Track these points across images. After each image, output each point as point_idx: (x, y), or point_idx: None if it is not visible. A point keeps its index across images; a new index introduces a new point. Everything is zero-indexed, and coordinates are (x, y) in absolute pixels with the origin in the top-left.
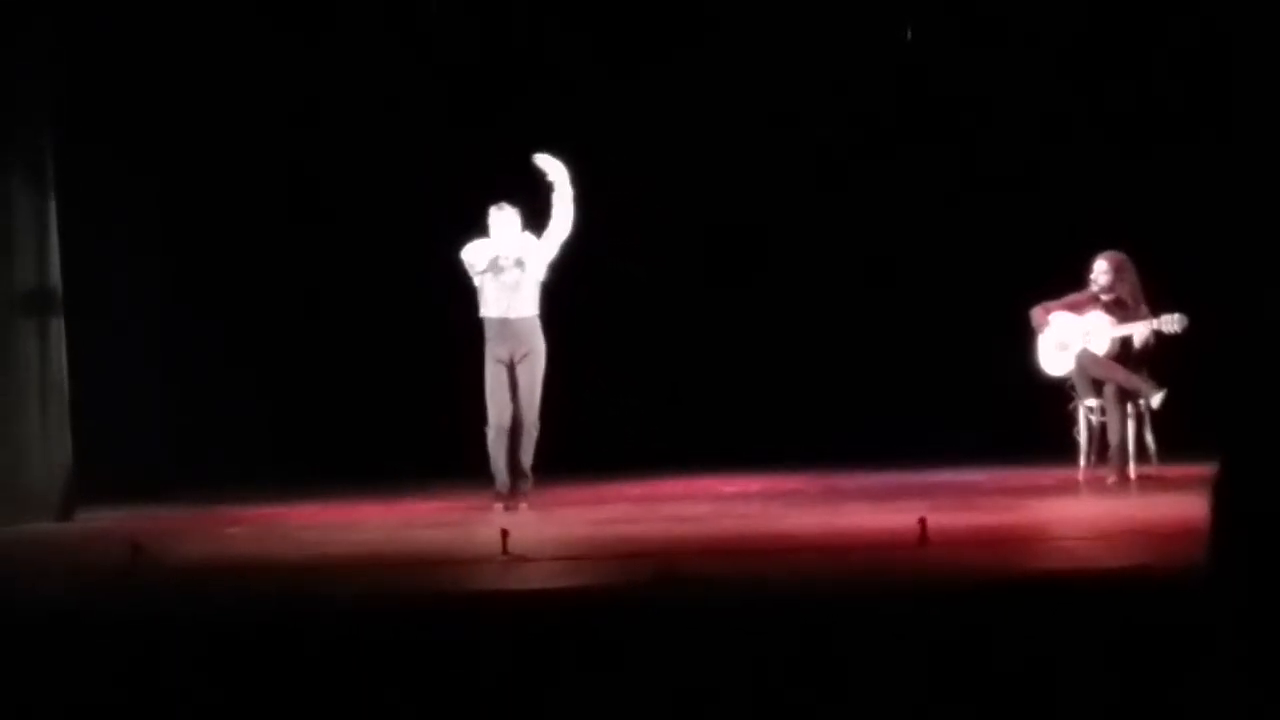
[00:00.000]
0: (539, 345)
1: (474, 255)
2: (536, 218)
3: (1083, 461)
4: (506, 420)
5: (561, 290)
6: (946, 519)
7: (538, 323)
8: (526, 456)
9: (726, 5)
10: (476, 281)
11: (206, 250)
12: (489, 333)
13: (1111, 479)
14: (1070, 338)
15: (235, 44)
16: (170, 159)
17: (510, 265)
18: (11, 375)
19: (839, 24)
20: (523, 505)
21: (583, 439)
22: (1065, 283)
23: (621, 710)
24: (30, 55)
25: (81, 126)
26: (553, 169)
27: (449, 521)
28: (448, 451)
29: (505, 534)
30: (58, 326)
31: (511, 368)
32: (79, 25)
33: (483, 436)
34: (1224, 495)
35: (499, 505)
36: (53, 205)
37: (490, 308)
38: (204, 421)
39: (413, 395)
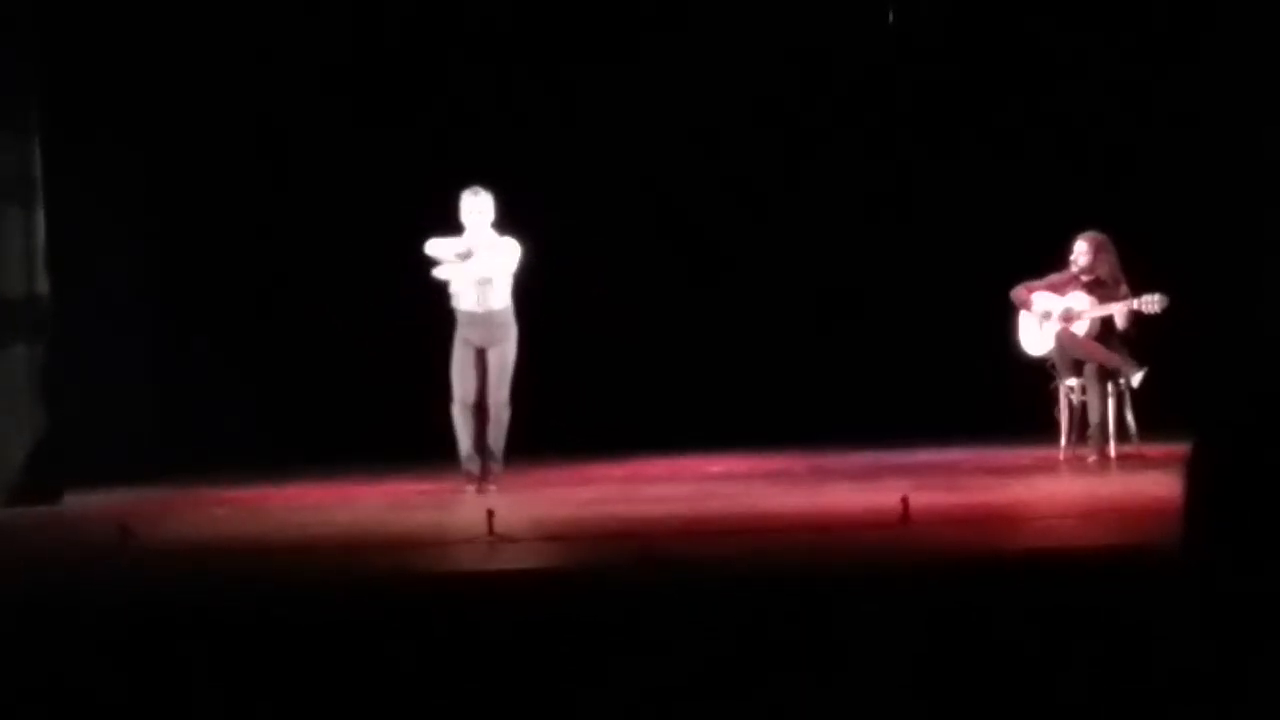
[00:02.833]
0: (511, 334)
1: (438, 250)
2: (509, 207)
3: (1063, 441)
4: (471, 397)
5: (547, 271)
6: (928, 498)
7: (510, 314)
8: (496, 441)
9: None
10: (443, 274)
11: (193, 233)
12: (461, 321)
13: (1092, 458)
14: (1050, 318)
15: (221, 29)
16: (157, 142)
17: (481, 259)
18: None
19: (823, 4)
20: (491, 488)
21: (568, 419)
22: (1047, 263)
23: (607, 690)
24: (17, 35)
25: (69, 107)
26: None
27: (435, 503)
28: (433, 433)
29: (491, 515)
30: (44, 309)
31: (481, 351)
32: (66, 15)
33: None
34: (1197, 473)
35: (469, 486)
36: (39, 185)
37: (461, 300)
38: (191, 403)
39: (398, 377)
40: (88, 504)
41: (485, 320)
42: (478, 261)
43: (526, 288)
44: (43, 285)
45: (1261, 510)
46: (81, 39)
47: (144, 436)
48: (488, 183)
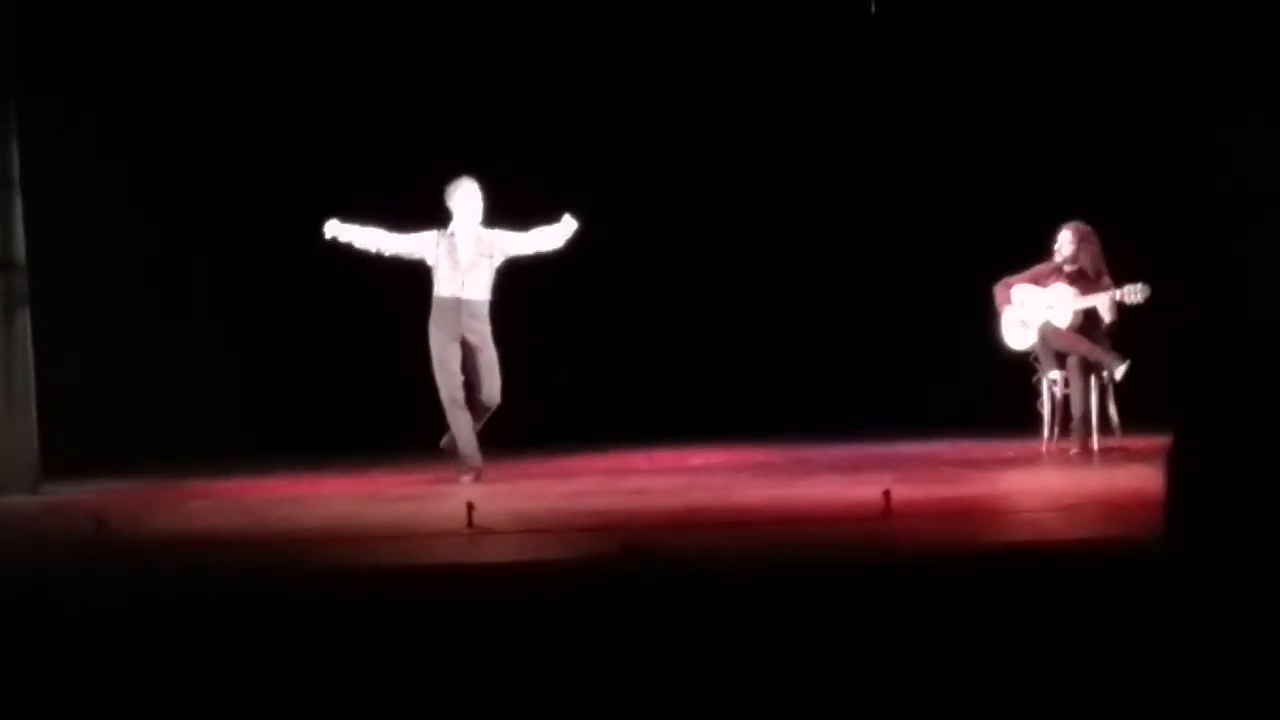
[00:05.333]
0: (487, 330)
1: (413, 245)
2: (501, 205)
3: (1046, 434)
4: (461, 391)
5: (526, 265)
6: (911, 491)
7: (487, 309)
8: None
9: None
10: (431, 260)
11: (171, 224)
12: (438, 310)
13: (1074, 451)
14: (1033, 311)
15: (205, 17)
16: (138, 134)
17: (468, 258)
18: None
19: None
20: (466, 478)
21: (550, 412)
22: (1031, 255)
23: (588, 684)
24: None
25: (46, 96)
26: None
27: (414, 495)
28: (413, 424)
29: (470, 507)
30: (22, 300)
31: (462, 344)
32: (42, 6)
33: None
34: (1178, 465)
35: (465, 477)
36: (17, 181)
37: (443, 286)
38: (168, 395)
39: (378, 368)
40: (64, 495)
41: (465, 309)
42: (466, 252)
43: (505, 281)
44: (21, 275)
45: (1241, 498)
46: (60, 28)
47: (122, 428)
48: (471, 171)
